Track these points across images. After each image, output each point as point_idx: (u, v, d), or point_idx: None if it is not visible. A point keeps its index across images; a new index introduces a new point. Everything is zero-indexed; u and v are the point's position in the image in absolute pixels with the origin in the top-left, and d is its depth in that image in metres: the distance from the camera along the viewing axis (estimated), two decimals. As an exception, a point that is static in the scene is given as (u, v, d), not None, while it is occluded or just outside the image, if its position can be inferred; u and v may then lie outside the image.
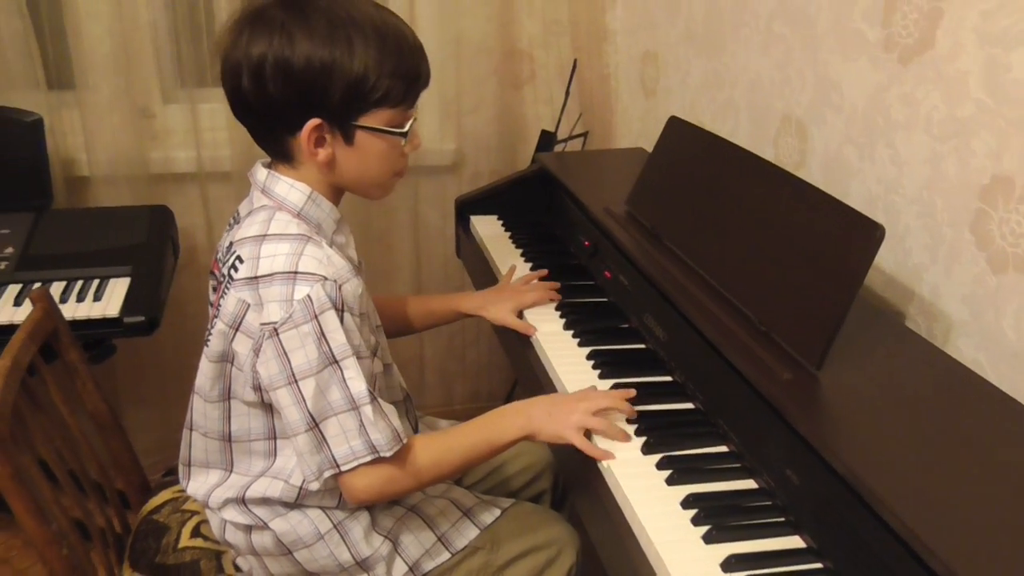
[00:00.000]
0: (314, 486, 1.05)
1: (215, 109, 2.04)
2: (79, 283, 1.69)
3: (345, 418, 0.99)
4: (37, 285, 1.66)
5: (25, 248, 1.76)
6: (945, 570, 0.74)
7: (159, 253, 1.80)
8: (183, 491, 1.32)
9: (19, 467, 0.95)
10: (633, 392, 1.13)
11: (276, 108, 1.00)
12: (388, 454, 1.01)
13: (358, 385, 0.99)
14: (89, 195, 2.05)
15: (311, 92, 0.98)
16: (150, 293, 1.68)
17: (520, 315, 1.40)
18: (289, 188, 1.05)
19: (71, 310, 1.61)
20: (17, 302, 1.63)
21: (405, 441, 1.03)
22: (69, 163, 2.02)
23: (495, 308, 1.40)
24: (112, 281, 1.70)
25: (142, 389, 2.23)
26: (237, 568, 1.20)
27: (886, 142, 1.29)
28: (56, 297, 1.63)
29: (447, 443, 1.09)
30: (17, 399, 1.07)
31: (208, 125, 2.05)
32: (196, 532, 1.25)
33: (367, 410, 1.00)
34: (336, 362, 0.99)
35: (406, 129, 1.06)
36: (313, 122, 1.00)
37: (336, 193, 1.10)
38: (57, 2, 1.90)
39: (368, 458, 1.00)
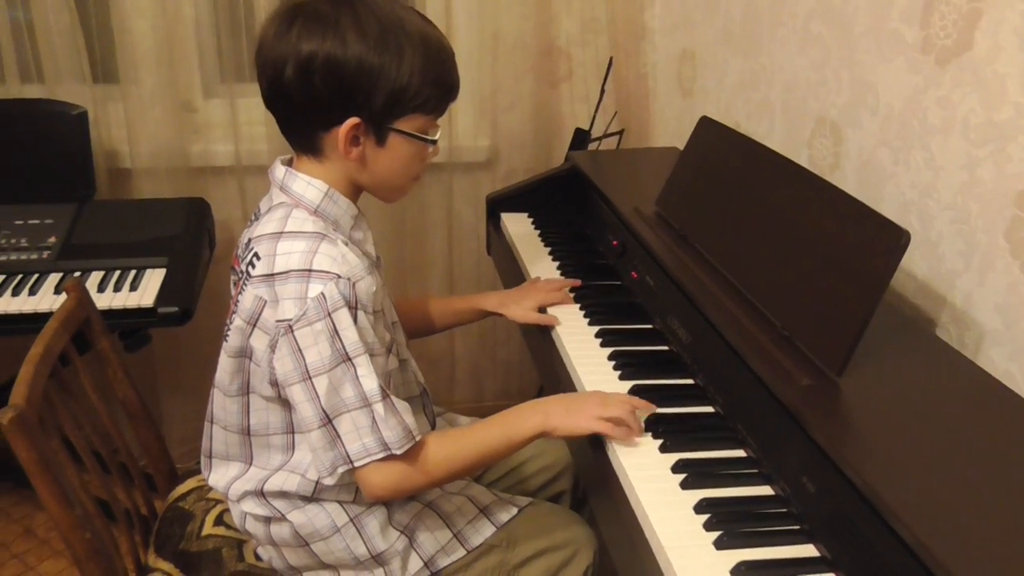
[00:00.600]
0: (328, 481, 1.06)
1: (253, 104, 2.06)
2: (117, 273, 1.73)
3: (358, 415, 1.00)
4: (76, 274, 1.71)
5: (68, 238, 1.81)
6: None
7: (195, 245, 1.84)
8: (208, 480, 1.35)
9: (45, 452, 0.98)
10: (652, 408, 1.12)
11: (318, 104, 1.01)
12: (399, 451, 1.02)
13: (370, 383, 1.00)
14: (131, 187, 2.09)
15: (356, 92, 1.01)
16: (184, 284, 1.72)
17: (543, 312, 1.41)
18: (306, 186, 1.06)
19: (108, 299, 1.65)
20: (57, 291, 1.68)
21: (418, 439, 1.04)
22: (112, 155, 2.07)
23: (516, 306, 1.42)
24: (148, 271, 1.75)
25: (180, 378, 2.27)
26: (258, 557, 1.22)
27: (921, 146, 1.26)
28: (94, 287, 1.68)
29: (462, 440, 1.10)
30: (47, 386, 1.10)
31: (246, 119, 2.08)
32: (219, 521, 1.28)
33: (379, 407, 1.01)
34: (349, 359, 1.00)
35: (436, 137, 1.09)
36: (352, 121, 1.02)
37: (355, 190, 1.11)
38: (103, -2, 1.95)
39: (380, 455, 1.01)
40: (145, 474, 1.35)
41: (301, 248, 1.01)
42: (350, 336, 0.99)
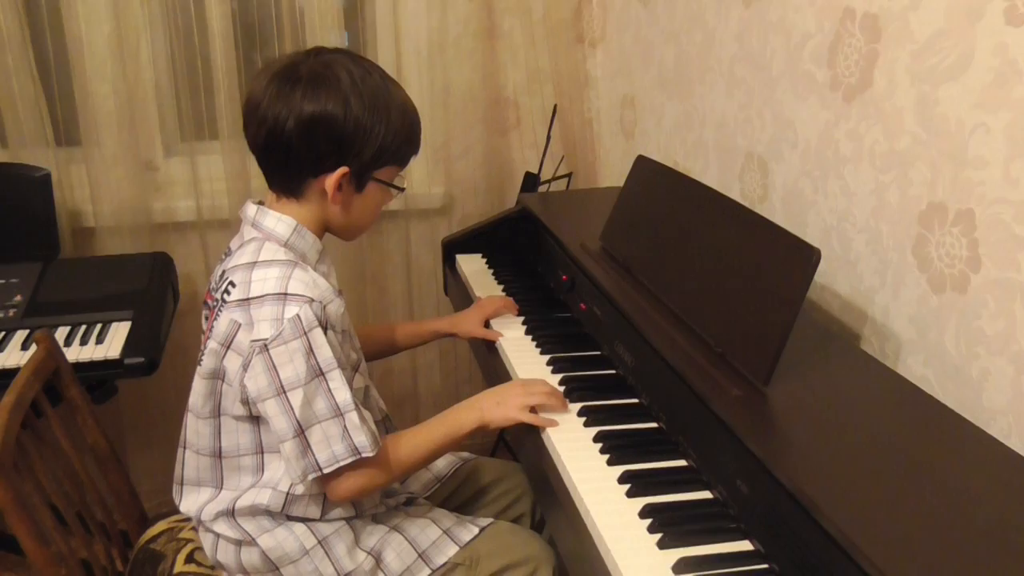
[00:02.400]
0: (299, 489, 1.15)
1: (213, 160, 2.15)
2: (83, 327, 1.78)
3: (328, 425, 1.10)
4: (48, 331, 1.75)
5: (33, 296, 1.85)
6: (878, 574, 0.79)
7: (159, 298, 1.89)
8: (179, 521, 1.39)
9: (20, 495, 1.02)
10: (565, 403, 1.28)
11: (314, 156, 1.14)
12: (371, 455, 1.12)
13: (343, 394, 1.10)
14: (95, 244, 2.14)
15: (350, 147, 1.15)
16: (150, 336, 1.77)
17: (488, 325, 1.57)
18: (277, 221, 1.17)
19: (75, 353, 1.69)
20: (24, 346, 1.71)
21: (380, 443, 1.15)
22: (76, 215, 2.12)
23: (464, 323, 1.57)
24: (114, 325, 1.79)
25: (147, 433, 2.30)
26: (228, 591, 1.26)
27: (836, 175, 1.37)
28: (61, 341, 1.72)
29: (415, 440, 1.22)
30: (20, 433, 1.14)
31: (207, 175, 2.16)
32: (190, 559, 1.31)
33: (352, 416, 1.11)
34: (323, 374, 1.10)
35: (404, 185, 1.25)
36: (343, 170, 1.15)
37: (323, 229, 1.23)
38: (66, 63, 2.01)
39: (348, 460, 1.11)
40: (121, 530, 1.38)
41: (275, 274, 1.10)
42: (324, 353, 1.09)
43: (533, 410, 1.24)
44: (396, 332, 1.58)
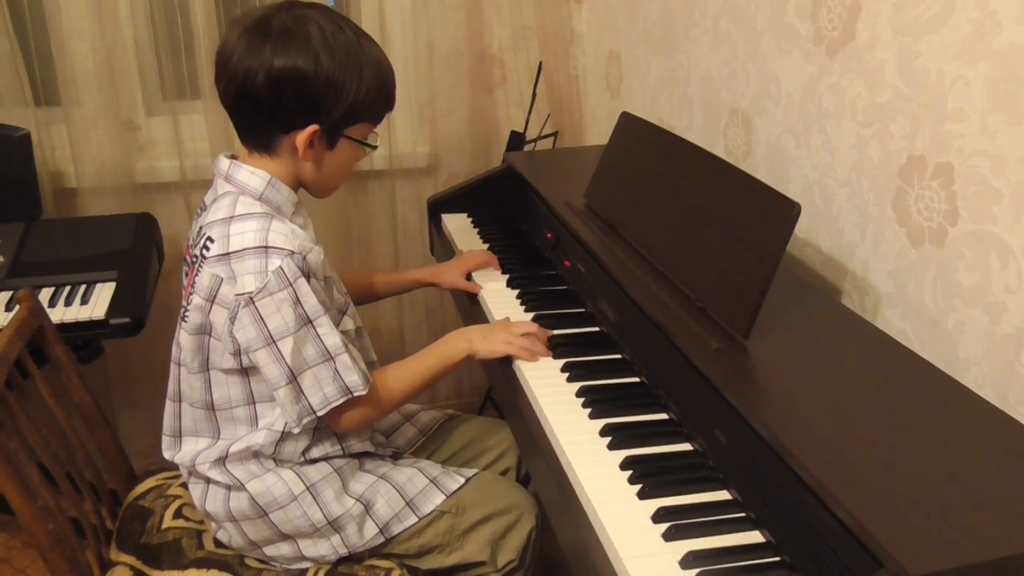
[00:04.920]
0: (295, 430, 1.19)
1: (196, 120, 2.13)
2: (67, 288, 1.77)
3: (319, 369, 1.14)
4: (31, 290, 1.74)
5: (16, 256, 1.84)
6: (849, 518, 0.81)
7: (144, 258, 1.88)
8: (167, 478, 1.40)
9: (6, 449, 1.03)
10: (550, 332, 1.34)
11: (284, 111, 1.13)
12: (363, 392, 1.17)
13: (332, 339, 1.14)
14: (77, 206, 2.13)
15: (320, 104, 1.14)
16: (135, 296, 1.76)
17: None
18: (250, 175, 1.16)
19: (60, 313, 1.69)
20: (8, 307, 1.71)
21: (370, 380, 1.20)
22: (57, 175, 2.10)
23: (446, 274, 1.61)
24: (99, 286, 1.79)
25: (134, 393, 2.31)
26: (217, 544, 1.28)
27: (819, 129, 1.37)
28: (45, 301, 1.72)
29: (407, 371, 1.27)
30: (5, 392, 1.15)
31: (189, 135, 2.13)
32: (178, 514, 1.33)
33: (344, 358, 1.15)
34: (310, 321, 1.12)
35: (376, 143, 1.24)
36: (313, 128, 1.14)
37: (296, 184, 1.22)
38: (42, 22, 1.98)
39: (341, 400, 1.16)
40: (109, 489, 1.39)
41: (253, 227, 1.11)
42: (310, 301, 1.12)
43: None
44: (375, 278, 1.61)
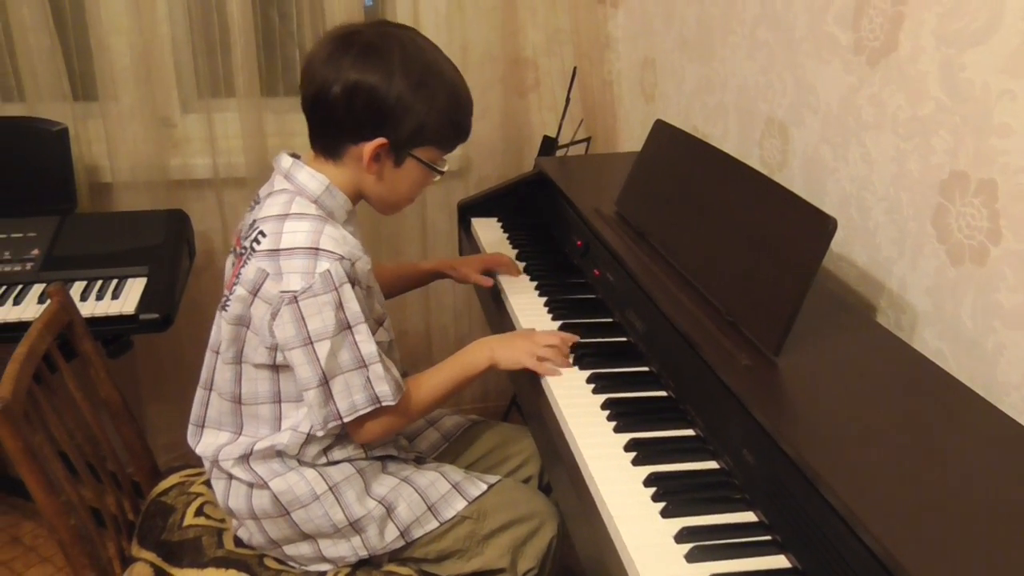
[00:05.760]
0: (319, 433, 1.19)
1: (230, 118, 2.14)
2: (99, 282, 1.79)
3: (351, 376, 1.15)
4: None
5: (50, 250, 1.86)
6: (879, 547, 0.78)
7: (175, 254, 1.90)
8: (190, 475, 1.41)
9: (31, 443, 1.04)
10: (576, 338, 1.32)
11: (354, 121, 1.16)
12: (392, 403, 1.17)
13: (368, 347, 1.15)
14: (112, 200, 2.15)
15: (389, 120, 1.16)
16: (165, 292, 1.78)
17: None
18: (310, 177, 1.18)
19: (91, 307, 1.70)
20: (41, 300, 1.73)
21: (404, 390, 1.21)
22: (93, 170, 2.13)
23: (462, 267, 1.62)
24: (130, 281, 1.80)
25: (163, 387, 2.33)
26: (237, 543, 1.28)
27: (857, 142, 1.34)
28: (77, 296, 1.74)
29: (431, 382, 1.28)
30: (33, 386, 1.16)
31: (223, 133, 2.15)
32: (200, 512, 1.33)
33: (377, 368, 1.16)
34: (350, 327, 1.14)
35: (444, 168, 1.26)
36: (380, 141, 1.17)
37: (356, 195, 1.24)
38: (82, 18, 2.01)
39: (368, 409, 1.17)
40: (132, 482, 1.40)
41: (306, 228, 1.13)
42: (352, 307, 1.13)
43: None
44: (398, 270, 1.63)
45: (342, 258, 1.12)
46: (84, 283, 1.79)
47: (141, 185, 2.12)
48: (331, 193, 1.19)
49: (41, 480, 1.04)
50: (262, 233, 1.15)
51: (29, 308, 1.70)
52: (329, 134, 1.19)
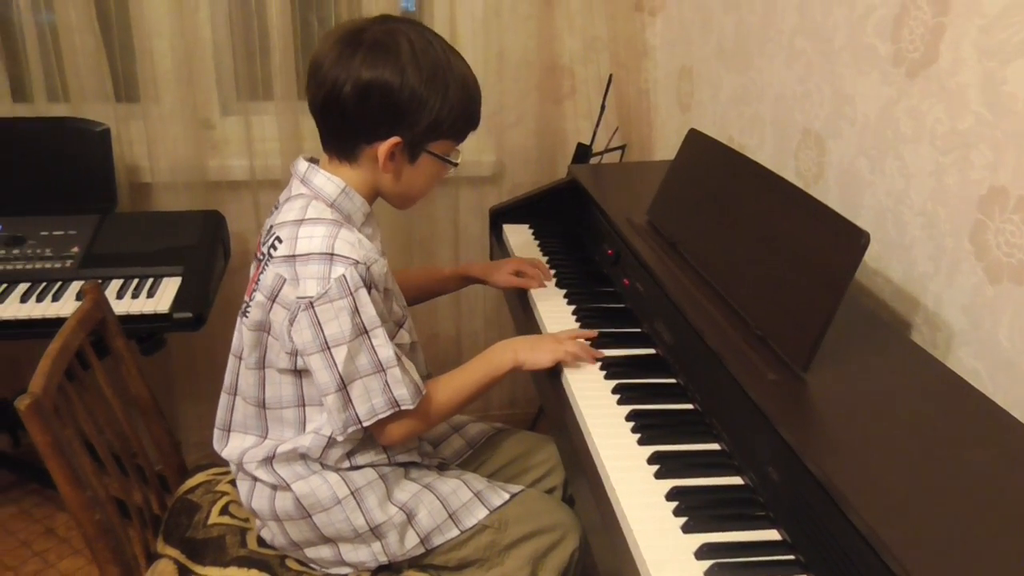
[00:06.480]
0: (339, 438, 1.19)
1: (267, 121, 2.17)
2: (135, 281, 1.82)
3: (370, 380, 1.14)
4: (97, 282, 1.80)
5: (89, 247, 1.90)
6: (902, 571, 0.76)
7: (210, 254, 1.92)
8: (216, 473, 1.42)
9: (59, 437, 1.06)
10: (594, 334, 1.37)
11: (368, 121, 1.15)
12: (412, 407, 1.17)
13: (386, 351, 1.14)
14: (151, 200, 2.19)
15: (404, 117, 1.15)
16: (199, 291, 1.80)
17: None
18: (326, 181, 1.18)
19: (126, 305, 1.73)
20: (79, 297, 1.76)
21: (424, 393, 1.20)
22: (133, 170, 2.16)
23: (497, 273, 1.61)
24: (165, 280, 1.83)
25: (196, 386, 2.36)
26: (260, 543, 1.29)
27: (895, 155, 1.31)
28: (113, 294, 1.77)
29: (455, 383, 1.27)
30: (64, 380, 1.18)
31: (260, 136, 2.17)
32: (225, 511, 1.35)
33: (395, 371, 1.15)
34: (366, 332, 1.13)
35: (458, 160, 1.25)
36: (395, 139, 1.16)
37: (373, 194, 1.24)
38: (126, 20, 2.04)
39: (387, 413, 1.16)
40: (159, 475, 1.42)
41: (321, 233, 1.12)
42: (369, 312, 1.12)
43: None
44: (425, 275, 1.63)
45: (357, 263, 1.11)
46: (121, 281, 1.82)
47: (180, 185, 2.16)
48: (348, 196, 1.18)
49: (68, 474, 1.06)
50: (279, 239, 1.15)
51: (67, 305, 1.73)
52: (343, 136, 1.18)
